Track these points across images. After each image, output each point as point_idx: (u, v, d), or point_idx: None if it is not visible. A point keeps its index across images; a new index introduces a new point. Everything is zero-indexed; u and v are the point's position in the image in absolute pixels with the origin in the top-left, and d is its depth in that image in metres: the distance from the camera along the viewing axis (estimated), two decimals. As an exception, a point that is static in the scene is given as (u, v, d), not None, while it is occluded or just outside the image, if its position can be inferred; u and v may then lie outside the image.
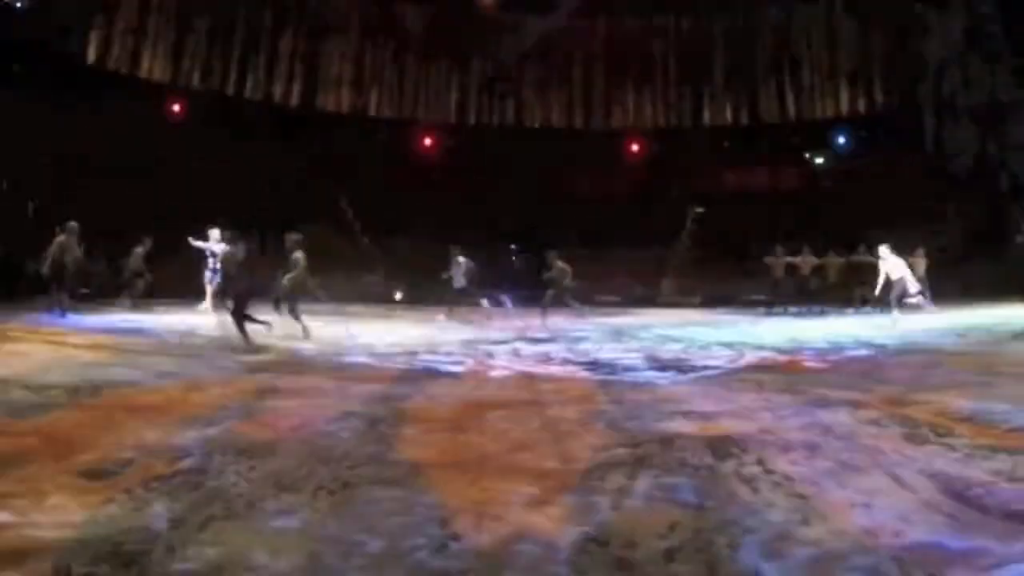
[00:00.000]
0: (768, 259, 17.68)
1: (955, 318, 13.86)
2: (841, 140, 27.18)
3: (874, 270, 16.53)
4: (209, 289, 13.44)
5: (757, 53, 28.43)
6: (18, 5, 20.62)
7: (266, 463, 3.41)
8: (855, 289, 17.06)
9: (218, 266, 13.22)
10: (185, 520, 2.65)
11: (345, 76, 27.78)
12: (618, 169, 29.03)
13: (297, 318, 10.15)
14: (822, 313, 15.95)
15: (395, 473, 3.33)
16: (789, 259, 17.53)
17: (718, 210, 24.61)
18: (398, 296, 15.27)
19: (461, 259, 15.22)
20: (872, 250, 16.82)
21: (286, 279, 10.52)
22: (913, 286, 13.02)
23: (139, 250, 14.90)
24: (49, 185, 17.19)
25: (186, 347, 8.53)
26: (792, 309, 16.80)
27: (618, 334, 11.53)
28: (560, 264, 14.97)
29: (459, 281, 15.14)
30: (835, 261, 17.25)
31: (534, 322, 13.00)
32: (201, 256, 13.89)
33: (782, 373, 6.99)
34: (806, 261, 17.34)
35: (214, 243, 13.40)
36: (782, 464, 3.55)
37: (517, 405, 5.11)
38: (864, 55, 26.91)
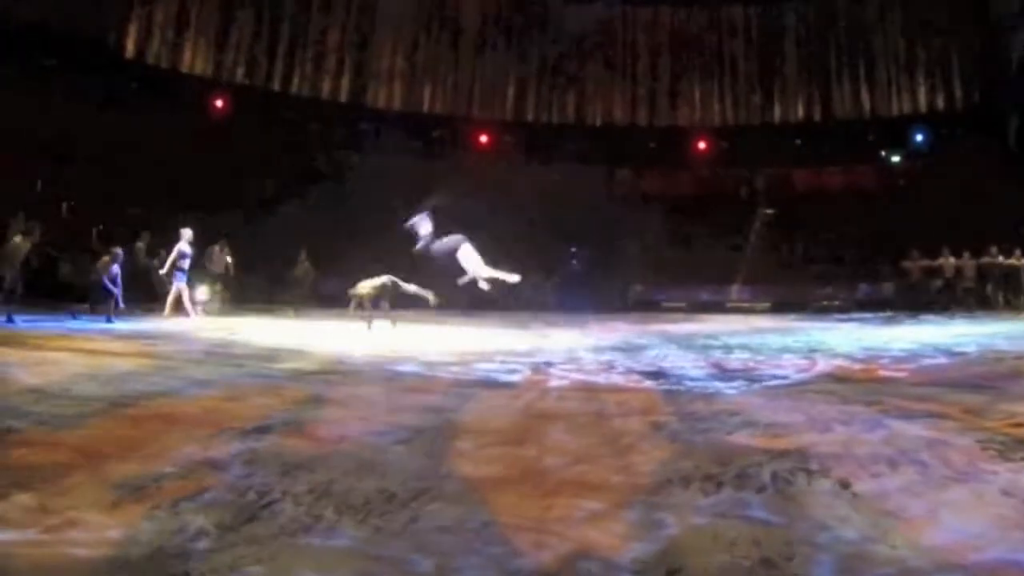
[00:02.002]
0: (905, 263, 17.56)
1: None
2: (919, 138, 26.25)
3: (1007, 272, 16.15)
4: (173, 289, 13.59)
5: (830, 45, 27.56)
6: None
7: (311, 477, 3.34)
8: (995, 291, 16.72)
9: (187, 267, 13.51)
10: (227, 537, 2.59)
11: (397, 70, 27.41)
12: (684, 168, 28.53)
13: None
14: (972, 318, 15.46)
15: (448, 488, 3.24)
16: (927, 262, 17.29)
17: (789, 211, 24.07)
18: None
19: (218, 247, 15.79)
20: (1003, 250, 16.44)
21: None
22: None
23: (139, 244, 15.24)
24: (84, 185, 17.54)
25: (223, 355, 8.52)
26: (933, 314, 16.25)
27: (684, 342, 11.32)
28: (307, 264, 16.63)
29: (218, 267, 15.68)
30: (970, 263, 16.84)
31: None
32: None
33: (857, 382, 6.73)
34: (948, 263, 16.98)
35: (185, 244, 13.57)
36: (857, 478, 3.38)
37: (577, 417, 4.98)
38: (944, 49, 25.91)
